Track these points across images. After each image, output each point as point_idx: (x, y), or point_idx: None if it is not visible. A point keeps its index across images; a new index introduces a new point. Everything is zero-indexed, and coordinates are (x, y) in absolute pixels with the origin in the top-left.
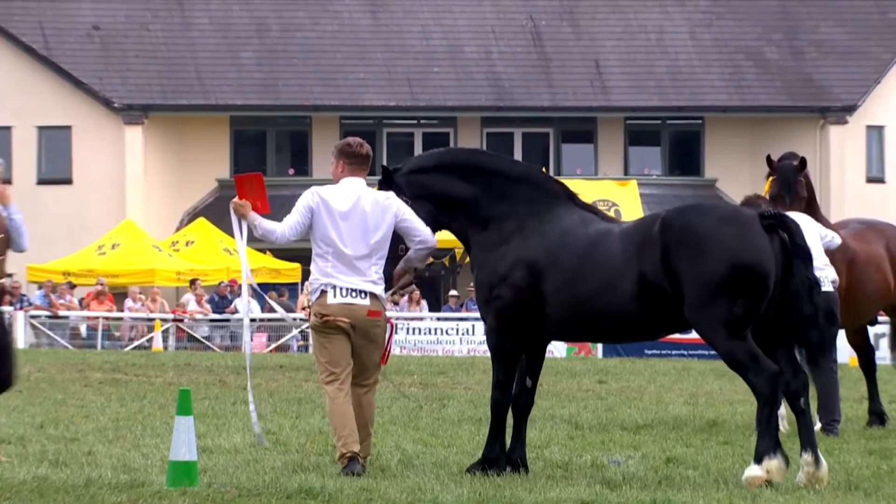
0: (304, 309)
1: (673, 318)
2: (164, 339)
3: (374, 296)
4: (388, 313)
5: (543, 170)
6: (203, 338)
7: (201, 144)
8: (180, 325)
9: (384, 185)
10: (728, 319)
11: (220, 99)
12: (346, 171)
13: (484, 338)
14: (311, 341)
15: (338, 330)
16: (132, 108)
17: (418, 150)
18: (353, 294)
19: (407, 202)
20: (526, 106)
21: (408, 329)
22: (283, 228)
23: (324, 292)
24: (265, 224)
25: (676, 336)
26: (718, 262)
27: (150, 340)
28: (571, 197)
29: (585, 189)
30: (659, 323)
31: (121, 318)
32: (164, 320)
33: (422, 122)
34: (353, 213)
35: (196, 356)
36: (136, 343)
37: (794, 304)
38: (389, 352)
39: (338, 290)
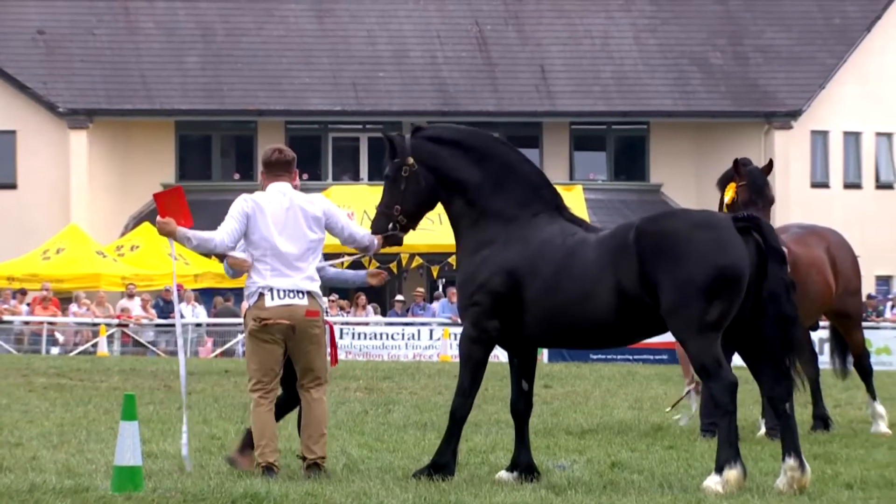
0: None
1: (648, 324)
2: (110, 345)
3: (311, 295)
4: (333, 318)
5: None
6: (148, 343)
7: (146, 149)
8: (125, 330)
9: (390, 151)
10: (703, 321)
11: (165, 104)
12: (268, 178)
13: (430, 343)
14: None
15: (273, 336)
16: (77, 112)
17: (364, 155)
18: (292, 295)
19: (407, 166)
20: (471, 111)
21: (353, 334)
22: (221, 236)
23: (261, 295)
24: (198, 234)
25: None
26: (695, 265)
27: (94, 345)
28: (560, 208)
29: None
30: (635, 329)
31: (65, 324)
32: (108, 325)
33: (367, 126)
34: (288, 214)
35: (141, 361)
36: (81, 348)
37: (774, 304)
38: (336, 353)
39: (275, 293)
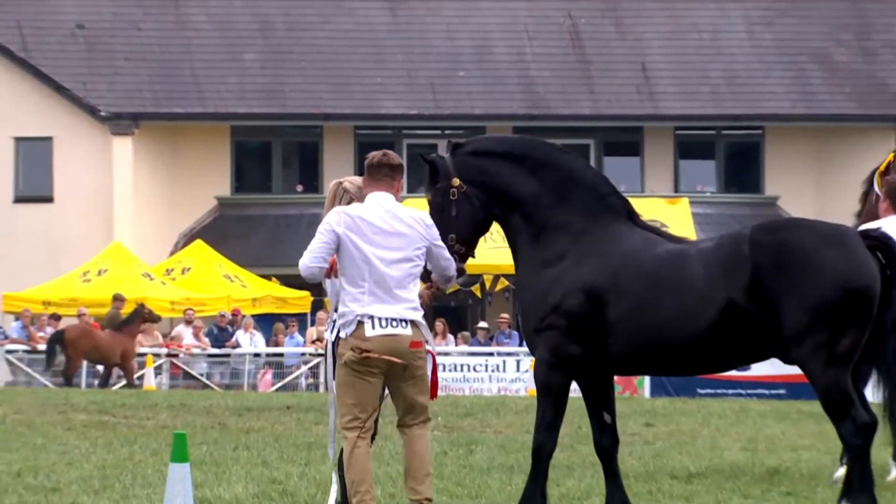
0: (314, 342)
1: (757, 347)
2: (157, 376)
3: (415, 324)
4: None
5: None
6: (200, 375)
7: (199, 157)
8: (175, 360)
9: (431, 175)
10: (833, 351)
11: (219, 107)
12: (369, 186)
13: (516, 375)
14: (322, 379)
15: (373, 369)
16: (121, 116)
17: None
18: (395, 324)
19: (454, 188)
20: (563, 114)
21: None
22: (304, 260)
23: (360, 324)
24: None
25: (733, 373)
26: (827, 285)
27: (140, 378)
28: (632, 215)
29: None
30: (740, 353)
31: None
32: (156, 355)
33: (446, 132)
34: (390, 232)
35: (192, 396)
36: (124, 381)
37: (892, 336)
38: (437, 385)
39: (377, 321)
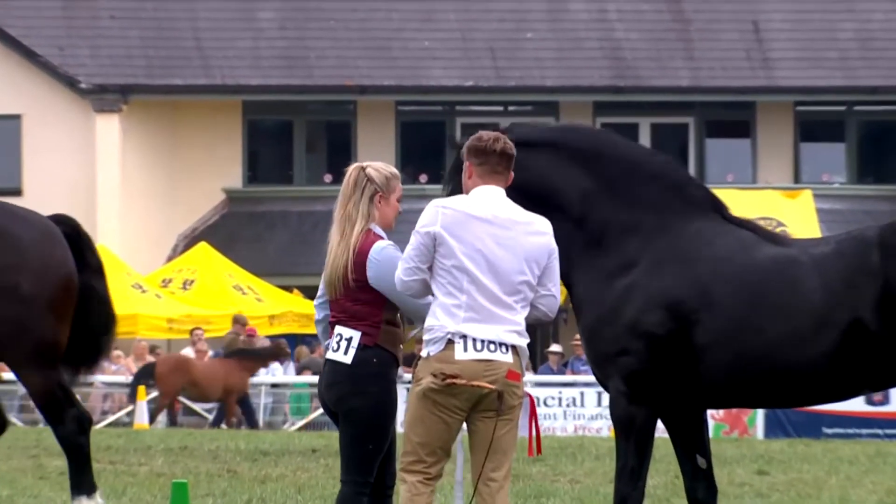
0: None
1: (886, 373)
2: (152, 413)
3: (516, 352)
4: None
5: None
6: (205, 410)
7: (203, 140)
8: None
9: (454, 166)
10: None
11: (228, 77)
12: (477, 176)
13: (597, 411)
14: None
15: (457, 402)
16: (105, 89)
17: None
18: (493, 347)
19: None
20: (656, 86)
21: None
22: (398, 273)
23: (450, 342)
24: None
25: (867, 409)
26: None
27: (130, 414)
28: (719, 209)
29: (739, 201)
30: (864, 380)
31: (90, 384)
32: (150, 386)
33: (510, 108)
34: (503, 236)
35: (195, 436)
36: (111, 418)
37: None
38: (539, 436)
39: (470, 342)
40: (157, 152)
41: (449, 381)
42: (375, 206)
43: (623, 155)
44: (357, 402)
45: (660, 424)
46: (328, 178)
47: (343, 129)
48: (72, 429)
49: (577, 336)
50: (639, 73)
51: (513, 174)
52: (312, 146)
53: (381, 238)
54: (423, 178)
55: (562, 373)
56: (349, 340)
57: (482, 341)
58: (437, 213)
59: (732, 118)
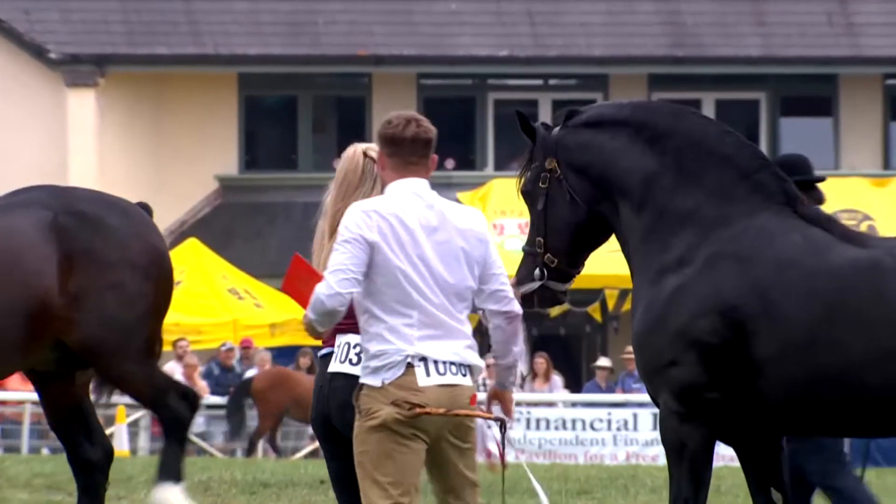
0: None
1: None
2: (132, 437)
3: (472, 371)
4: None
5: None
6: (196, 435)
7: (193, 119)
8: None
9: (530, 150)
10: None
11: (222, 46)
12: (391, 168)
13: (653, 436)
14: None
15: (422, 432)
16: (79, 59)
17: None
18: (455, 369)
19: (546, 173)
20: (722, 57)
21: (529, 421)
22: (329, 284)
23: (409, 367)
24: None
25: None
26: None
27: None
28: (791, 199)
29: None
30: None
31: None
32: (130, 406)
33: (550, 82)
34: (441, 239)
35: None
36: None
37: None
38: (504, 455)
39: (432, 365)
40: (139, 133)
41: (417, 411)
42: None
43: (691, 132)
44: None
45: (731, 451)
46: (338, 163)
47: (356, 107)
48: (180, 406)
49: (628, 348)
50: (701, 41)
51: (435, 158)
52: (320, 126)
53: None
54: (450, 163)
55: (611, 391)
56: None
57: (444, 363)
58: (370, 218)
59: (811, 93)
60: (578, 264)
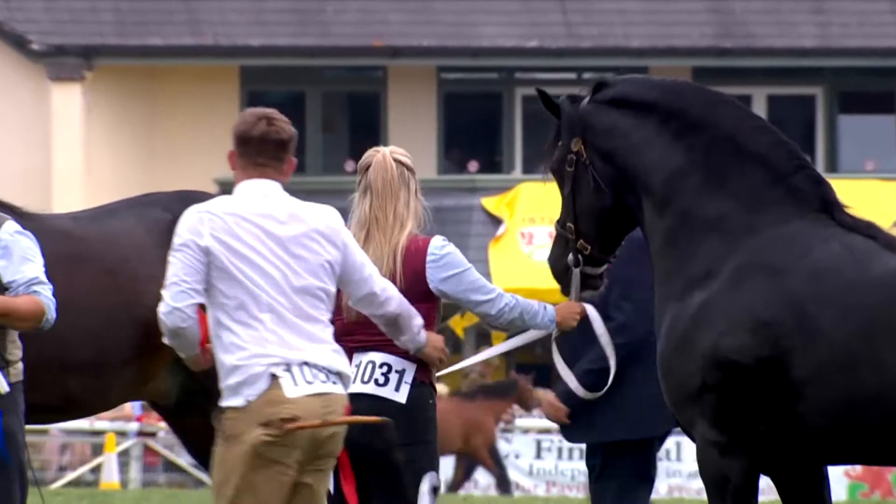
0: None
1: None
2: (123, 468)
3: (343, 379)
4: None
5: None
6: (192, 465)
7: (190, 117)
8: (151, 442)
9: (555, 129)
10: None
11: (222, 36)
12: (240, 167)
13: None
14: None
15: (294, 452)
16: (64, 51)
17: None
18: (324, 376)
19: (573, 154)
20: (773, 48)
21: (560, 451)
22: (166, 303)
23: (274, 378)
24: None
25: None
26: None
27: (96, 470)
28: (829, 206)
29: (881, 195)
30: None
31: (45, 431)
32: (121, 434)
33: (584, 75)
34: (288, 236)
35: (179, 498)
36: (71, 475)
37: None
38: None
39: (298, 373)
40: (130, 132)
41: (291, 426)
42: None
43: (723, 126)
44: (415, 455)
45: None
46: (350, 165)
47: (369, 104)
48: None
49: None
50: (751, 31)
51: (294, 161)
52: (330, 125)
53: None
54: (473, 166)
55: None
56: (401, 373)
57: (311, 370)
58: (202, 222)
59: (873, 89)
60: (611, 250)
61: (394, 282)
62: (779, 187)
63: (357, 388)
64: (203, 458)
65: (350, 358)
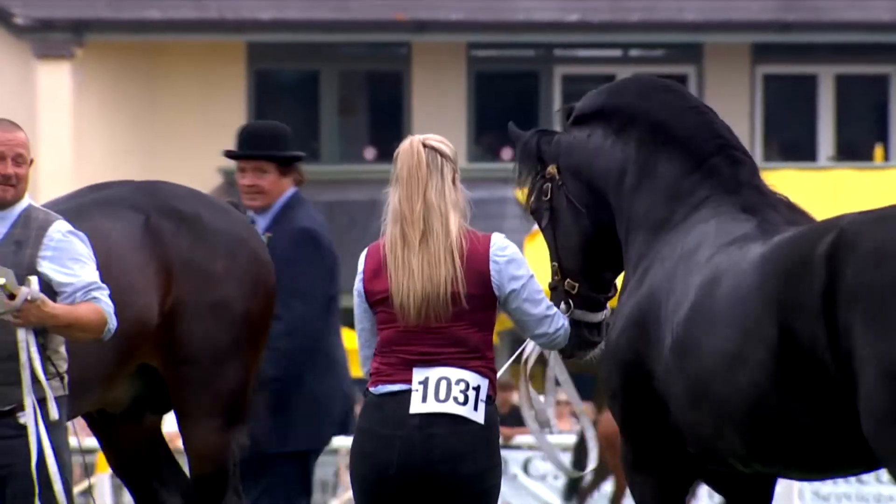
0: None
1: (853, 428)
2: (116, 490)
3: None
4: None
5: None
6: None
7: (191, 98)
8: None
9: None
10: None
11: (227, 9)
12: None
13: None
14: None
15: None
16: (52, 25)
17: None
18: None
19: (548, 183)
20: (841, 22)
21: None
22: None
23: None
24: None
25: None
26: None
27: (87, 492)
28: (740, 186)
29: None
30: (829, 434)
31: None
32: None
33: (631, 53)
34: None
35: None
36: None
37: None
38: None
39: None
40: (125, 115)
41: None
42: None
43: (654, 114)
44: (495, 480)
45: None
46: (370, 153)
47: (392, 84)
48: None
49: None
50: (817, 4)
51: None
52: (348, 108)
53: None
54: (507, 153)
55: None
56: (477, 390)
57: None
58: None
59: None
60: (604, 287)
61: (454, 285)
62: (697, 173)
63: (431, 406)
64: (126, 466)
65: (398, 372)
